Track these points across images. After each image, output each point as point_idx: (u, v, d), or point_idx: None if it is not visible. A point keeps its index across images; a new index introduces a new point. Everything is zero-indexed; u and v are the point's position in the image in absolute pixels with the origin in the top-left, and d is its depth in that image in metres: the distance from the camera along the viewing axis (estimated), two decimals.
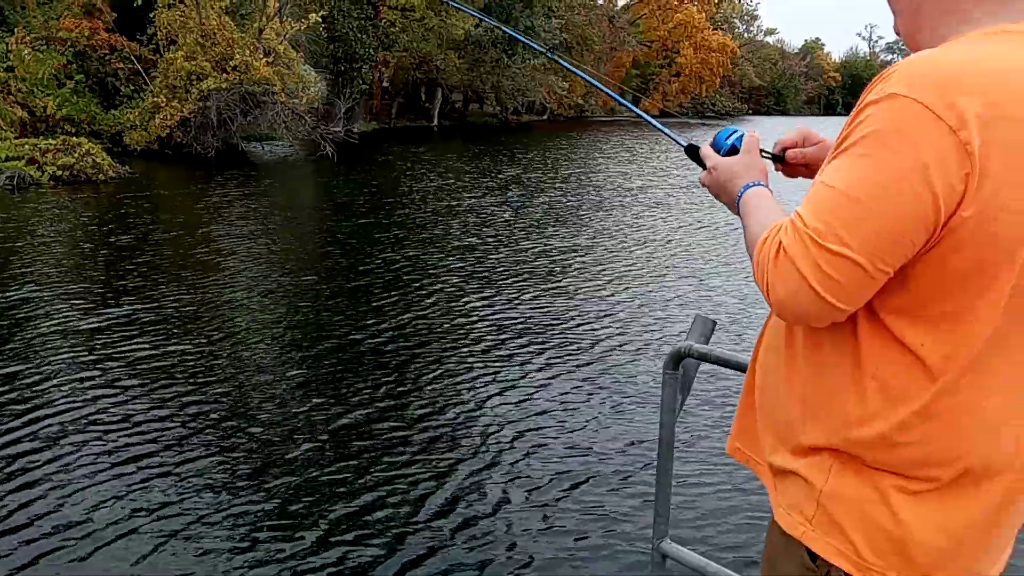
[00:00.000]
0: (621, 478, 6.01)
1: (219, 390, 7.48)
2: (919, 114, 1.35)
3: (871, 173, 1.39)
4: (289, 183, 25.30)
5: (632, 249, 14.67)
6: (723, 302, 11.08)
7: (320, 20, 31.43)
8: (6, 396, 7.15)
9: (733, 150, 1.90)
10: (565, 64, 2.97)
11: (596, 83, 2.88)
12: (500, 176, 25.87)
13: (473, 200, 20.26)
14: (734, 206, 1.80)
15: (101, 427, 6.60)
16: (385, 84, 51.47)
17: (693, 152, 2.01)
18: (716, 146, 1.93)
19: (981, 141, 1.34)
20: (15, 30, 28.38)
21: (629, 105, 2.60)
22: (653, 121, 2.43)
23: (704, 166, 1.93)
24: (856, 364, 1.51)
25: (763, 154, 1.91)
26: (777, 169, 1.99)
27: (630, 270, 12.91)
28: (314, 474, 5.90)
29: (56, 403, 7.05)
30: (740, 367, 2.32)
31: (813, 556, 1.56)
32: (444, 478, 5.92)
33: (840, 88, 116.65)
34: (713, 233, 16.49)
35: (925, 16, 1.57)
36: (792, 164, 1.98)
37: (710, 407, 7.11)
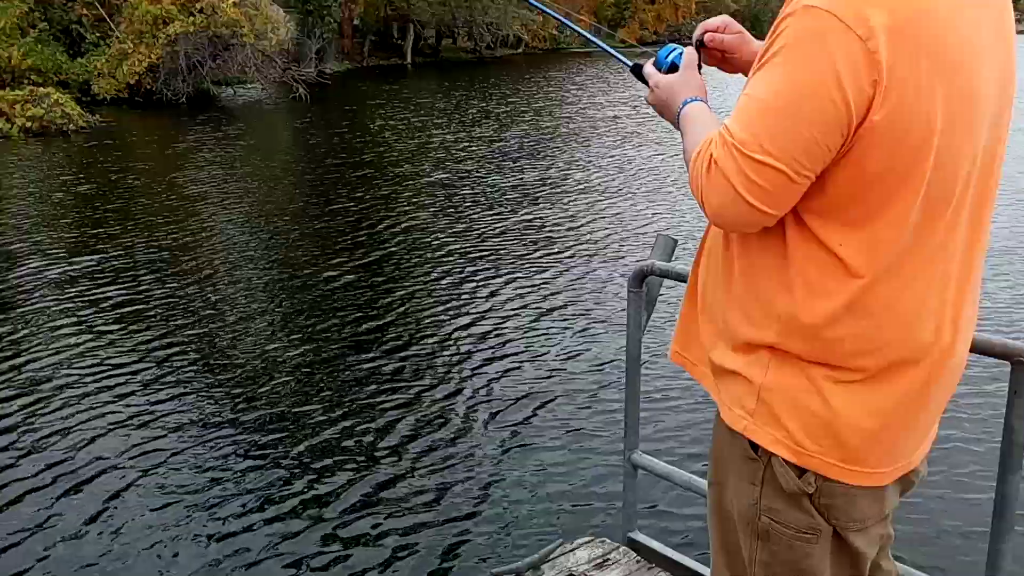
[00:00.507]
0: (589, 395, 6.27)
1: (194, 330, 7.66)
2: (831, 24, 1.43)
3: (788, 82, 1.48)
4: (262, 127, 25.12)
5: (603, 178, 14.80)
6: (687, 221, 11.28)
7: None
8: None
9: (673, 67, 1.90)
10: (537, 5, 2.85)
11: (563, 19, 2.90)
12: (472, 111, 25.77)
13: (446, 136, 20.23)
14: (675, 122, 1.85)
15: (78, 371, 6.79)
16: (355, 22, 50.62)
17: (637, 71, 2.01)
18: (658, 64, 1.94)
19: (888, 50, 1.42)
20: None
21: (576, 29, 2.57)
22: (602, 44, 2.48)
23: (648, 85, 1.95)
24: (784, 264, 1.60)
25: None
26: (700, 62, 1.95)
27: (601, 198, 13.06)
28: (289, 406, 6.13)
29: (33, 348, 7.23)
30: None
31: (755, 447, 1.66)
32: (415, 405, 6.16)
33: None
34: (679, 156, 16.59)
35: None
36: (710, 49, 1.98)
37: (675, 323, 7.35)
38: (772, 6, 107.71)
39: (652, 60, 1.97)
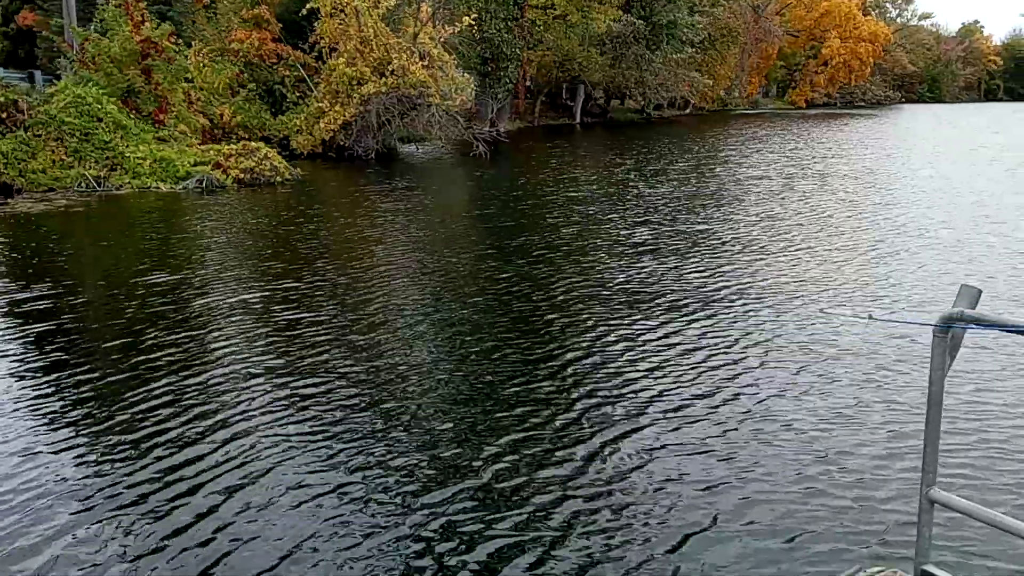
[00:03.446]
0: (882, 434, 6.66)
1: (358, 349, 8.24)
2: None
3: None
4: (443, 179, 26.42)
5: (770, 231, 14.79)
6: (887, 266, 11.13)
7: (472, 22, 32.41)
8: (187, 350, 8.18)
9: None
10: None
11: None
12: (640, 166, 26.18)
13: (612, 188, 20.68)
14: None
15: (258, 392, 7.45)
16: (527, 83, 52.42)
17: None
18: None
19: None
20: (192, 43, 30.65)
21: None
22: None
23: None
24: None
25: None
26: None
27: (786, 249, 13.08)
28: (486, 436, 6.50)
29: (228, 358, 8.06)
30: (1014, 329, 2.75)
31: None
32: (700, 451, 6.41)
33: (1001, 73, 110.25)
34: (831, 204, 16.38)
35: None
36: None
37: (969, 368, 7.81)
38: (952, 69, 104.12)
39: None
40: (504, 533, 5.25)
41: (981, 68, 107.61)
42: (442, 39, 31.06)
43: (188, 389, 7.62)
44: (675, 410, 7.16)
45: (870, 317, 8.71)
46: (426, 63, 29.72)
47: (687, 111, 66.12)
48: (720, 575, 4.79)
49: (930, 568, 3.04)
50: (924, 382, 3.09)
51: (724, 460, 6.21)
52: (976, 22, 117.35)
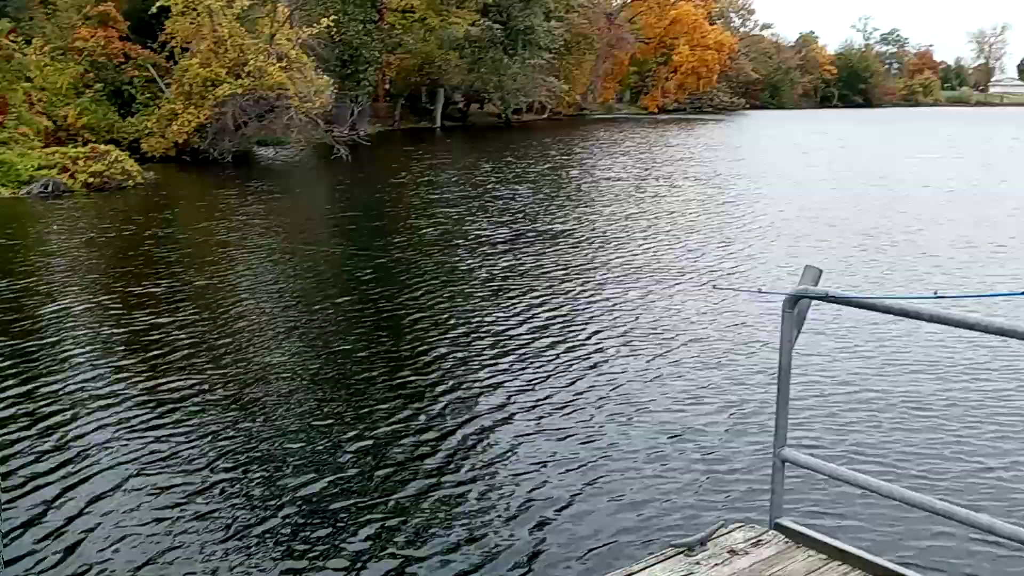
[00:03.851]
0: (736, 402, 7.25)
1: (216, 366, 8.21)
2: None
3: None
4: (309, 184, 26.08)
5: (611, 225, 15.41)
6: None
7: (332, 24, 32.04)
8: (38, 359, 7.94)
9: None
10: None
11: None
12: (504, 170, 26.65)
13: (468, 191, 21.00)
14: None
15: (118, 396, 7.33)
16: (387, 87, 52.18)
17: None
18: None
19: None
20: (32, 41, 29.06)
21: None
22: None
23: None
24: None
25: None
26: None
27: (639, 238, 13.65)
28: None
29: (78, 370, 7.91)
30: (856, 304, 3.21)
31: None
32: (581, 429, 6.62)
33: (836, 81, 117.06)
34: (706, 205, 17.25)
35: None
36: None
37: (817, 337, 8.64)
38: (791, 77, 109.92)
39: None
40: (375, 520, 5.37)
41: (817, 76, 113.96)
42: (300, 41, 30.58)
43: (38, 398, 7.34)
44: (539, 399, 7.43)
45: (759, 291, 9.49)
46: (284, 65, 29.20)
47: (545, 116, 67.18)
48: (586, 545, 5.06)
49: (783, 521, 3.34)
50: (774, 357, 3.39)
51: (586, 443, 6.52)
52: (812, 33, 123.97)
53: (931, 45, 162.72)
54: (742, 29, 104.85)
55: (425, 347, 8.91)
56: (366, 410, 7.14)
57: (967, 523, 2.96)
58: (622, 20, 78.72)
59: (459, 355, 8.65)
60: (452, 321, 9.92)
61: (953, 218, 17.77)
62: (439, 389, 7.68)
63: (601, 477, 5.96)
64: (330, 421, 6.94)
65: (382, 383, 7.83)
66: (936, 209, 19.30)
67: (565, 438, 6.63)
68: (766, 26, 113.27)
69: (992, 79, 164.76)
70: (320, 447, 6.43)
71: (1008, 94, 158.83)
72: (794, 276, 3.36)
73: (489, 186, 23.29)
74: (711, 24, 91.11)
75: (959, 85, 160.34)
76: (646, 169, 28.87)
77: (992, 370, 8.13)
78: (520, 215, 17.92)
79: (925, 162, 31.86)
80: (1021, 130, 55.93)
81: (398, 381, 7.86)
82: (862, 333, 9.14)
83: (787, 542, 3.26)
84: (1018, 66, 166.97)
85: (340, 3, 38.83)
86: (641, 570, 3.07)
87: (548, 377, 8.00)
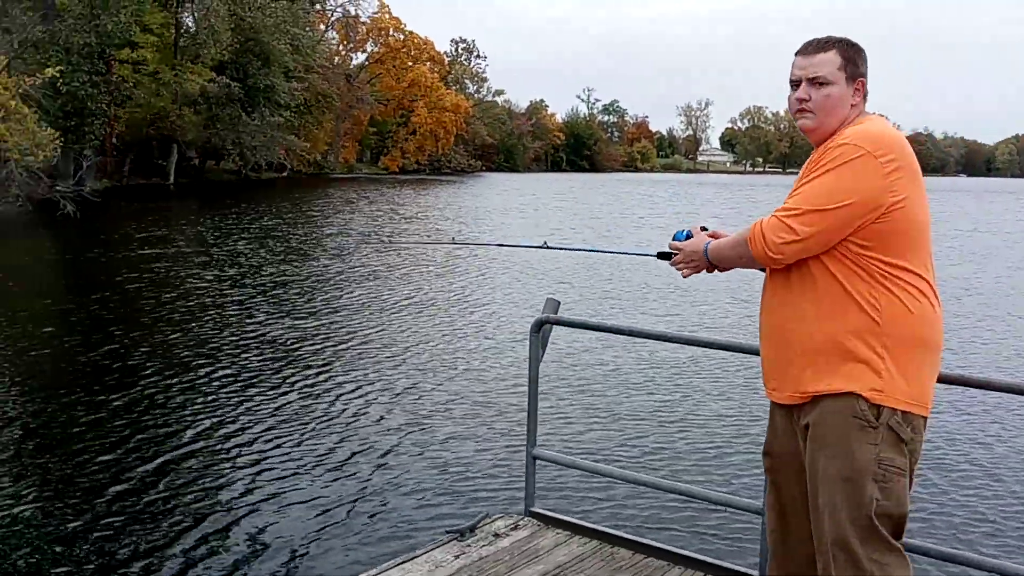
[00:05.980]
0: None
1: None
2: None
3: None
4: (33, 247, 24.46)
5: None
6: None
7: (57, 74, 30.47)
8: None
9: (688, 236, 3.02)
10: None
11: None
12: (238, 227, 26.54)
13: (227, 249, 20.89)
14: (703, 260, 2.93)
15: None
16: (115, 141, 49.71)
17: (664, 255, 3.10)
18: (676, 238, 3.06)
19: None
20: None
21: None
22: (612, 250, 3.82)
23: (670, 256, 3.03)
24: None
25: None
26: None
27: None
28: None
29: None
30: (586, 327, 4.05)
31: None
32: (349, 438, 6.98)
33: (564, 146, 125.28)
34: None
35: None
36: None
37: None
38: (524, 142, 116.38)
39: (671, 242, 2.99)
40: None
41: (547, 142, 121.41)
42: (20, 91, 28.79)
43: None
44: (307, 419, 7.83)
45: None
46: (2, 115, 27.36)
47: (284, 174, 66.68)
48: (377, 534, 5.84)
49: (535, 508, 4.07)
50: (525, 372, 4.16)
51: (344, 478, 6.99)
52: (542, 101, 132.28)
53: (647, 116, 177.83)
54: (476, 95, 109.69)
55: (149, 419, 9.00)
56: (92, 482, 7.20)
57: (671, 491, 3.83)
58: (361, 81, 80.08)
59: (188, 418, 8.60)
60: (182, 380, 10.03)
61: None
62: (169, 458, 7.76)
63: (383, 479, 6.88)
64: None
65: (109, 427, 7.88)
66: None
67: (329, 473, 7.10)
68: (499, 92, 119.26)
69: (700, 148, 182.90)
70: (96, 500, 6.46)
71: (713, 162, 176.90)
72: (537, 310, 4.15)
73: (223, 244, 23.24)
74: (447, 88, 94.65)
75: (672, 153, 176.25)
76: (375, 228, 29.74)
77: (690, 372, 10.41)
78: (246, 273, 18.22)
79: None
80: (716, 194, 63.21)
81: (132, 426, 7.96)
82: (594, 350, 11.23)
83: (539, 525, 3.99)
84: (720, 137, 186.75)
85: (63, 53, 36.92)
86: (422, 553, 3.66)
87: (317, 398, 8.41)
